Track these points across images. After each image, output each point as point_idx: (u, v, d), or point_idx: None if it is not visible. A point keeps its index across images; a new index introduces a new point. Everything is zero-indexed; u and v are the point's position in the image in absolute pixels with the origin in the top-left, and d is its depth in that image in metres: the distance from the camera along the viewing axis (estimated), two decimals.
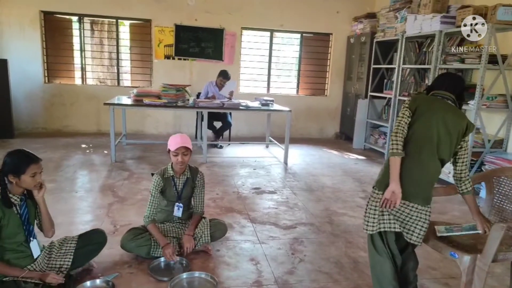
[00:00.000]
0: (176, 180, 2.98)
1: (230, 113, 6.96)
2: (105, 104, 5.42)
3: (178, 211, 3.04)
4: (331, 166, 6.02)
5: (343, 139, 8.21)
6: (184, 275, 2.61)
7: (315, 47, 8.18)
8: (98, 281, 2.50)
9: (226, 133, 7.16)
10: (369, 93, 7.09)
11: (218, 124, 6.91)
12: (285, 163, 5.98)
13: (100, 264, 2.70)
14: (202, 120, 5.96)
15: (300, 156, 6.56)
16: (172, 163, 2.94)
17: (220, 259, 2.90)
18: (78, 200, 4.02)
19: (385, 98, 6.96)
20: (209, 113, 5.93)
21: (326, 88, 8.39)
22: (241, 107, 5.94)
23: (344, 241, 3.36)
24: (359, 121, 7.23)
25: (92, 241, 2.62)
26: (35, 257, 2.34)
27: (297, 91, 8.35)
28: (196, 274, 2.63)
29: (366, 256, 3.07)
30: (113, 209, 3.81)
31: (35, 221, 2.42)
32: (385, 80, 6.87)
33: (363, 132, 7.28)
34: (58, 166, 5.15)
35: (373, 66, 6.96)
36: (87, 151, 6.10)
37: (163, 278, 2.60)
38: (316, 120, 8.32)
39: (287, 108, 6.04)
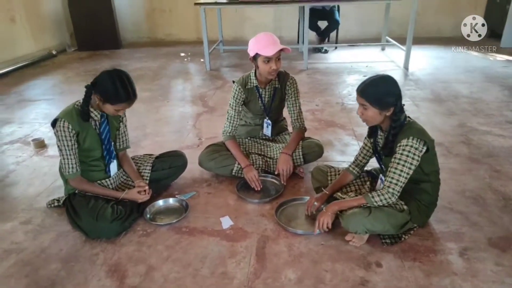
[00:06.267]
0: (262, 91, 2.38)
1: (338, 10, 5.83)
2: (195, 4, 4.90)
3: (267, 129, 2.50)
4: (469, 70, 4.68)
5: (487, 36, 6.38)
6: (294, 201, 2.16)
7: None
8: (171, 200, 2.21)
9: (332, 35, 6.13)
10: None
11: (323, 25, 5.89)
12: (406, 68, 4.85)
13: (178, 181, 2.40)
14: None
15: (426, 60, 5.27)
16: (255, 70, 2.31)
17: None
18: (169, 109, 3.80)
19: None
20: (312, 10, 4.97)
21: None
22: None
23: (488, 169, 2.46)
24: None
25: (169, 164, 2.29)
26: (111, 176, 2.12)
27: None
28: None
29: None
30: (201, 119, 3.48)
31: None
32: None
33: None
34: (155, 75, 5.01)
35: None
36: (185, 59, 5.85)
37: (253, 200, 2.19)
38: (450, 13, 6.56)
39: None
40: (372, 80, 1.74)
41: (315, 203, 1.98)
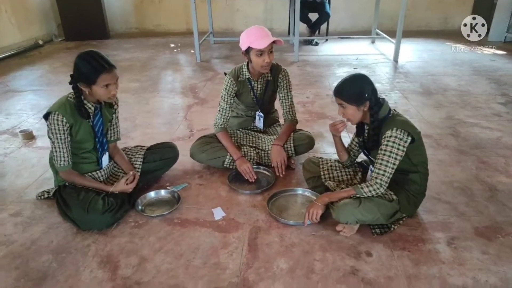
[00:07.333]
0: (254, 83, 2.37)
1: (329, 2, 5.83)
2: None
3: (259, 122, 2.50)
4: (457, 63, 4.74)
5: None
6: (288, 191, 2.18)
7: None
8: (163, 191, 2.20)
9: (323, 27, 6.14)
10: None
11: (314, 17, 5.89)
12: (395, 60, 4.89)
13: (170, 172, 2.40)
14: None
15: (416, 53, 5.32)
16: (247, 63, 2.30)
17: None
18: (159, 100, 3.76)
19: None
20: (303, 2, 4.96)
21: None
22: None
23: (475, 160, 2.51)
24: (502, 3, 5.48)
25: (161, 156, 2.28)
26: (102, 168, 2.10)
27: None
28: (300, 190, 2.18)
29: (508, 183, 2.23)
30: (192, 111, 3.47)
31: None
32: None
33: (506, 18, 5.57)
34: (144, 66, 4.95)
35: None
36: (175, 50, 5.80)
37: (245, 192, 2.20)
38: (439, 7, 6.62)
39: None
40: (346, 80, 1.83)
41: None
